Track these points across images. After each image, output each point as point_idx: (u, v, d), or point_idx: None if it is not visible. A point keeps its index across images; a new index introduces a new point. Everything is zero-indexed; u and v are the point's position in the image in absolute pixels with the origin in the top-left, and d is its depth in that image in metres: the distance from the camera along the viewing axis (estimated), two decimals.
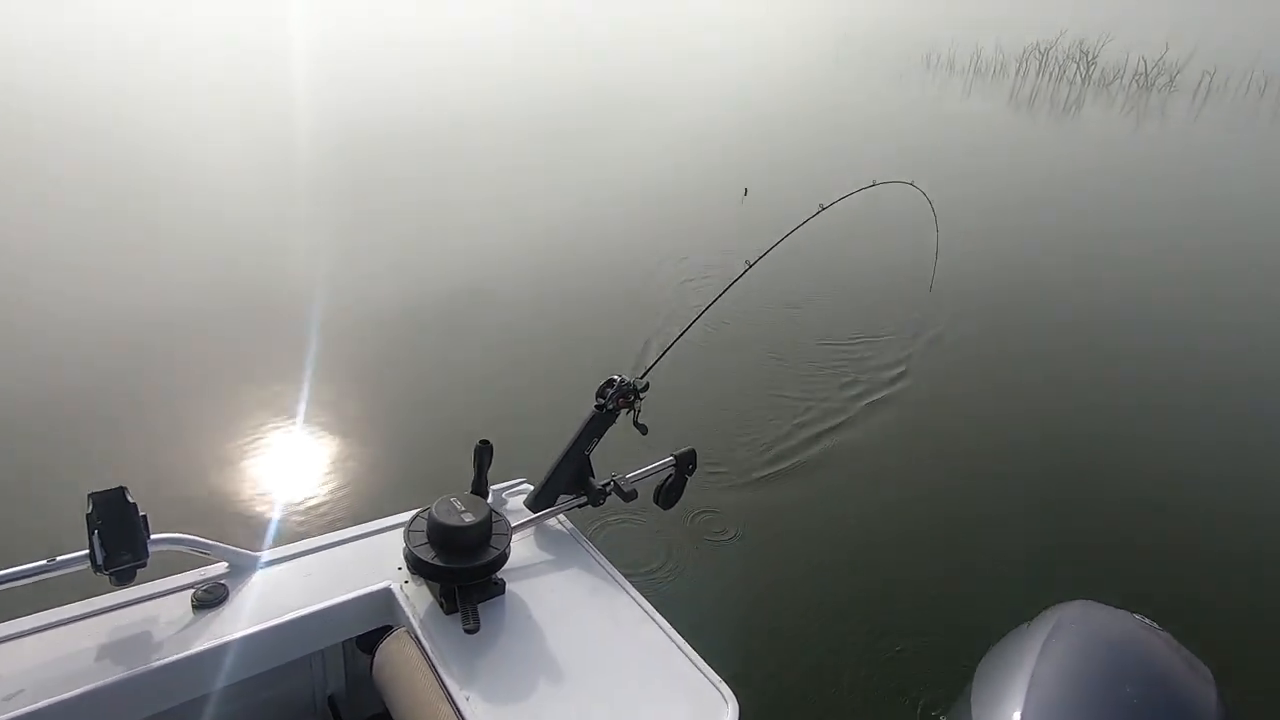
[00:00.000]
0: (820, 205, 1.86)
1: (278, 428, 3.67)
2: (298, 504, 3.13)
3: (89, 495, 1.10)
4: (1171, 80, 19.87)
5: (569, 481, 1.62)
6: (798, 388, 4.26)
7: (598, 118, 11.92)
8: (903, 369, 4.57)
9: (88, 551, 1.12)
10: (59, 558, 1.14)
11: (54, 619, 1.19)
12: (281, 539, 1.44)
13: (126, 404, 3.80)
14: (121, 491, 1.12)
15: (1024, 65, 21.70)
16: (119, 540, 1.10)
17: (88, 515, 1.09)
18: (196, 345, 4.47)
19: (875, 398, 4.24)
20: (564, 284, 5.59)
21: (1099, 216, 8.48)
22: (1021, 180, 9.70)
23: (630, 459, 1.70)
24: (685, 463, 1.72)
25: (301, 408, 3.85)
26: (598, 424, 1.62)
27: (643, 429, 1.64)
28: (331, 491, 3.24)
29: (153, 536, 1.14)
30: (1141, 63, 20.47)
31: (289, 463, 3.42)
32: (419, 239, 6.47)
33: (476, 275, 5.71)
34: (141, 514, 1.13)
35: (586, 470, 1.64)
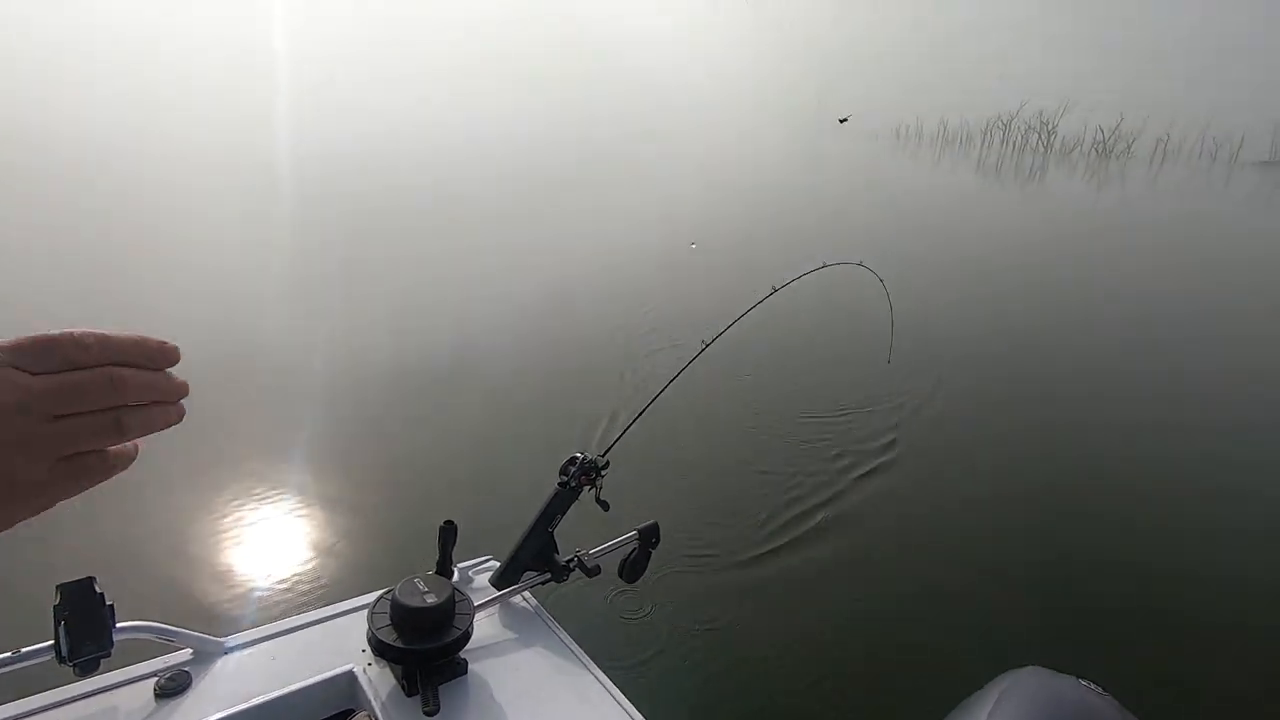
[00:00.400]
0: (773, 286, 1.98)
1: (244, 505, 3.67)
2: (266, 585, 3.11)
3: (57, 586, 1.14)
4: (1129, 147, 20.88)
5: (533, 558, 1.66)
6: (758, 461, 4.36)
7: (564, 190, 12.31)
8: (862, 442, 4.67)
9: (53, 643, 1.15)
10: (23, 649, 1.17)
11: (15, 712, 1.20)
12: (248, 623, 1.46)
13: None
14: (90, 582, 1.15)
15: (988, 135, 22.78)
16: (84, 631, 1.13)
17: (55, 606, 1.12)
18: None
19: (835, 469, 4.33)
20: (525, 360, 5.70)
21: (1061, 283, 8.79)
22: (982, 250, 10.06)
23: (594, 535, 1.75)
24: (648, 536, 1.77)
25: (267, 485, 3.85)
26: (561, 501, 1.68)
27: (604, 505, 1.70)
28: (299, 572, 3.22)
29: (118, 625, 1.17)
30: (1099, 131, 21.54)
31: (257, 542, 3.40)
32: (384, 313, 6.60)
33: (439, 351, 5.80)
34: (109, 603, 1.17)
35: (550, 547, 1.68)
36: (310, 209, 9.89)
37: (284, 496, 3.76)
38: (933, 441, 4.74)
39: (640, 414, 1.79)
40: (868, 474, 4.28)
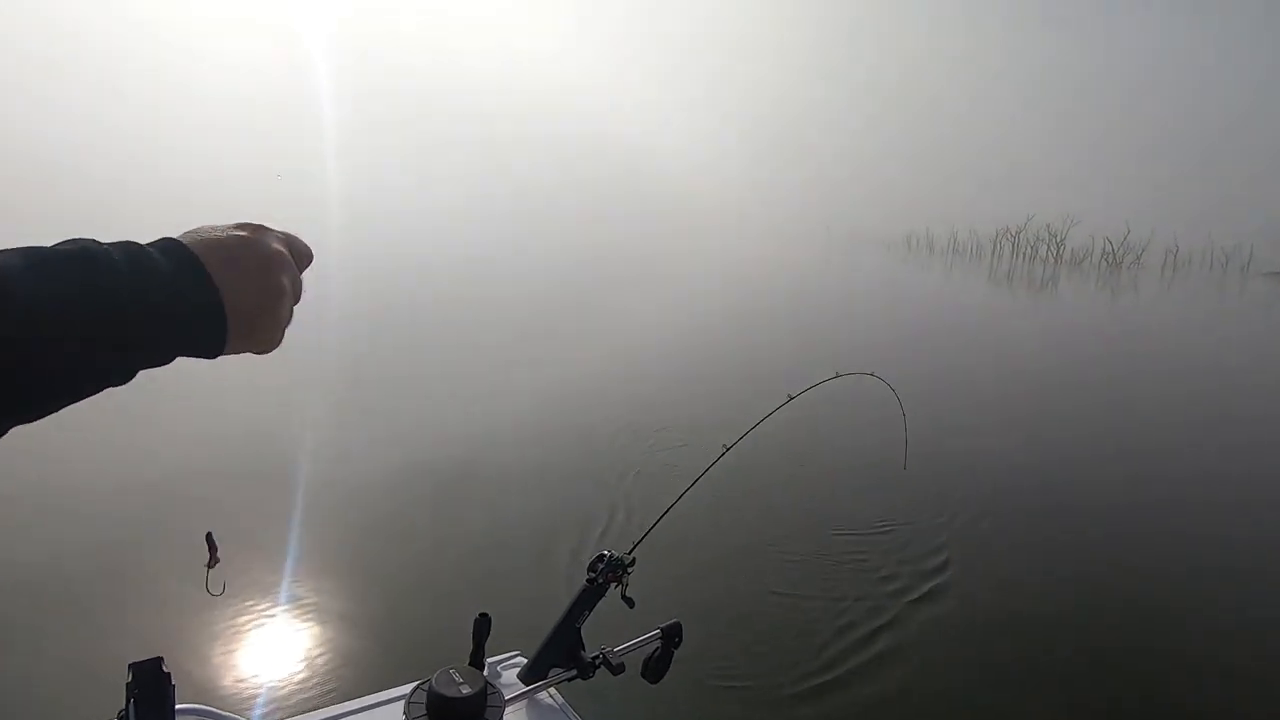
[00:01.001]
0: (788, 394, 2.11)
1: (277, 599, 3.71)
2: (304, 674, 3.11)
3: (130, 665, 1.23)
4: (1138, 258, 21.36)
5: (561, 654, 1.71)
6: (774, 562, 4.35)
7: (581, 295, 12.77)
8: (875, 546, 4.65)
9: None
10: None
11: None
12: (289, 709, 1.51)
13: (140, 569, 3.86)
14: (159, 662, 1.24)
15: (998, 246, 23.46)
16: (151, 710, 1.20)
17: (127, 684, 1.21)
18: (197, 512, 4.60)
19: (847, 571, 4.29)
20: (553, 458, 5.82)
21: (1078, 389, 8.82)
22: (997, 358, 10.20)
23: (615, 633, 1.79)
24: (671, 636, 1.81)
25: (301, 579, 3.90)
26: (588, 597, 1.74)
27: (630, 602, 1.76)
28: (334, 662, 3.22)
29: (178, 706, 1.25)
30: (1107, 243, 22.13)
31: (294, 633, 3.43)
32: (415, 410, 6.79)
33: (468, 449, 5.95)
34: (173, 683, 1.25)
35: (577, 643, 1.73)
36: (331, 316, 10.36)
37: (314, 595, 3.79)
38: (964, 558, 4.65)
39: (665, 513, 1.88)
40: (902, 590, 4.20)
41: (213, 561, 1.30)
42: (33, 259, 0.41)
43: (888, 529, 4.97)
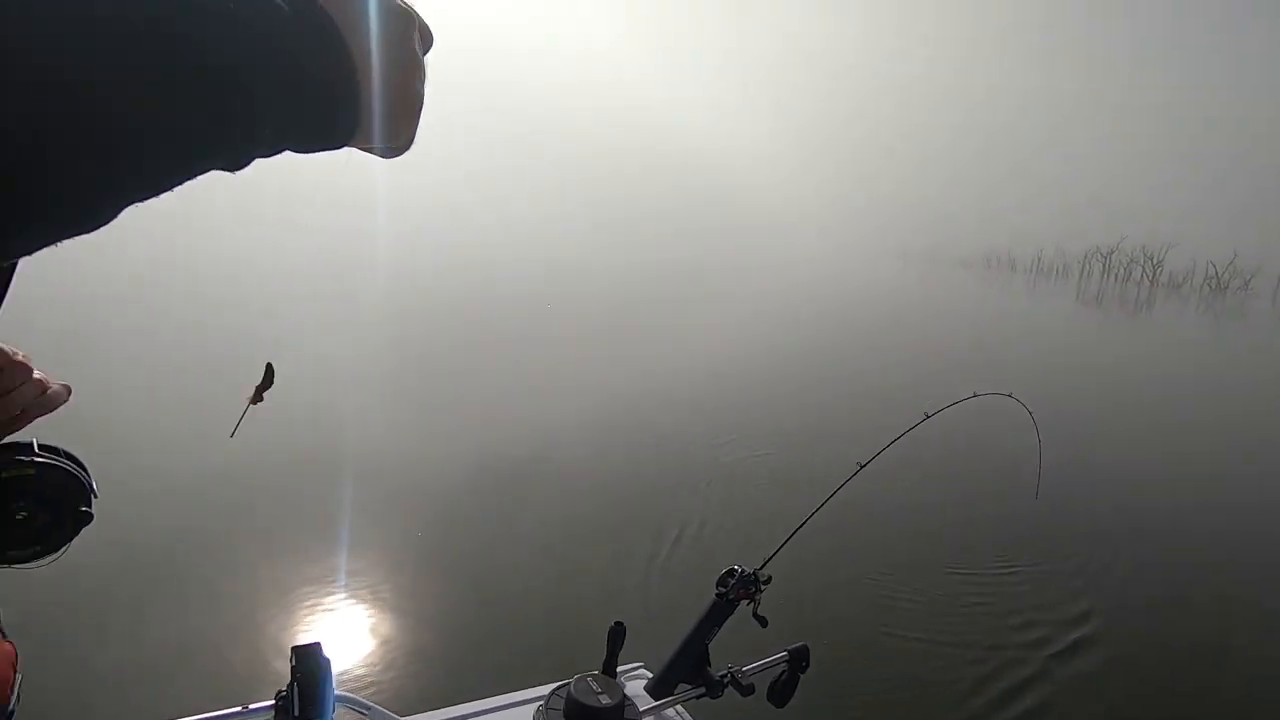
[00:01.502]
0: (925, 413, 2.01)
1: (395, 600, 3.80)
2: (431, 670, 3.19)
3: (292, 648, 1.25)
4: (1246, 283, 19.88)
5: (688, 670, 1.66)
6: (901, 593, 4.17)
7: (675, 308, 12.75)
8: (1008, 585, 4.38)
9: (273, 702, 1.24)
10: (250, 706, 1.27)
11: None
12: (425, 703, 1.51)
13: (254, 554, 4.04)
14: (319, 646, 1.26)
15: (1087, 266, 22.23)
16: (312, 694, 1.22)
17: (292, 666, 1.23)
18: (283, 505, 4.77)
19: (981, 612, 4.06)
20: (671, 466, 5.79)
21: (1197, 414, 8.24)
22: (1115, 380, 9.64)
23: (730, 649, 1.73)
24: (798, 659, 1.74)
25: (408, 571, 3.99)
26: (718, 613, 1.69)
27: (763, 621, 1.69)
28: (459, 660, 3.28)
29: (336, 693, 1.26)
30: (1211, 267, 20.70)
31: (399, 626, 3.51)
32: (538, 413, 6.88)
33: (570, 451, 5.99)
34: (331, 669, 1.26)
35: (705, 660, 1.68)
36: (411, 321, 10.67)
37: (436, 594, 3.88)
38: (1107, 607, 4.30)
39: (797, 530, 1.81)
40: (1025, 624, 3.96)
41: (257, 397, 1.10)
42: None
43: (1022, 567, 4.66)
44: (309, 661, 1.24)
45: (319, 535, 4.45)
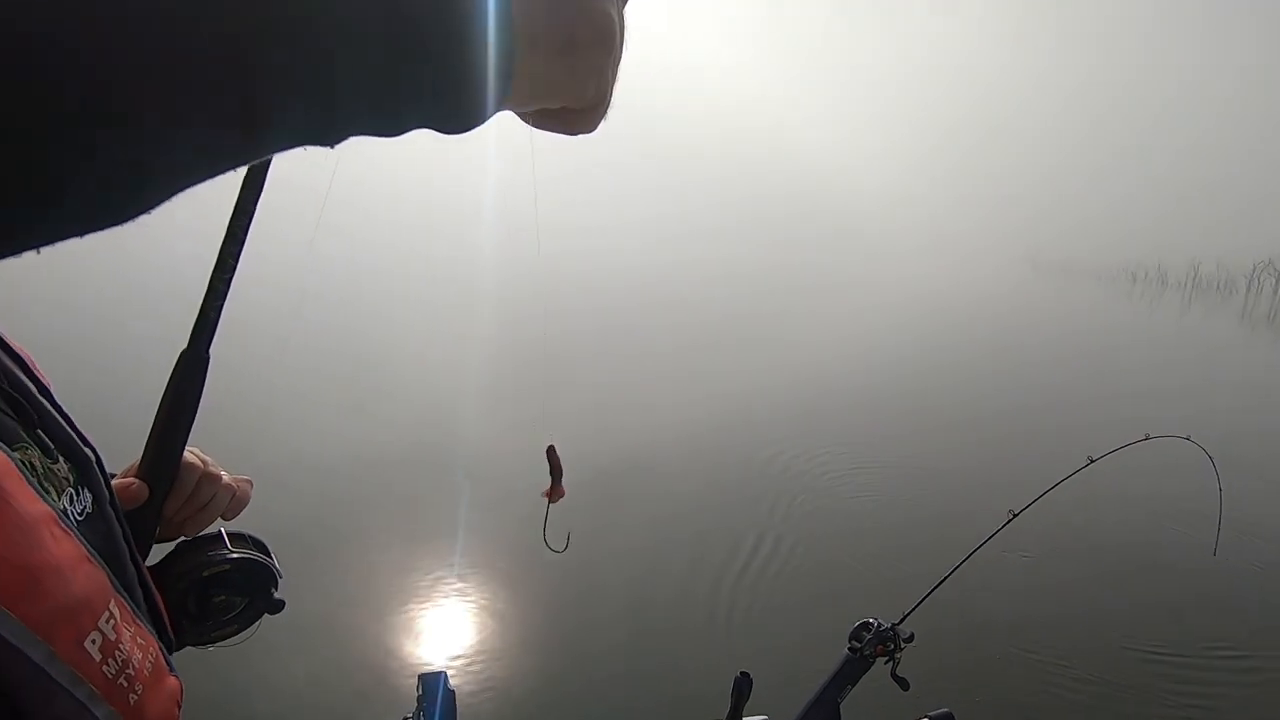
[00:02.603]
0: (1089, 458, 1.79)
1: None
2: (545, 700, 3.21)
3: (419, 675, 1.27)
4: None
5: None
6: (1060, 655, 3.74)
7: (797, 321, 12.39)
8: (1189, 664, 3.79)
9: None
10: None
11: None
12: None
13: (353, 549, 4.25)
14: (445, 676, 1.27)
15: (1257, 282, 19.64)
16: None
17: (418, 695, 1.24)
18: (399, 510, 4.97)
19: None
20: (791, 503, 5.55)
21: None
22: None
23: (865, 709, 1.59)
24: None
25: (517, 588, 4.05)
26: (851, 670, 1.56)
27: (903, 684, 1.55)
28: (572, 693, 3.28)
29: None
30: None
31: (525, 653, 3.55)
32: (668, 431, 6.86)
33: (692, 476, 5.88)
34: (455, 699, 1.27)
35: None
36: (524, 326, 10.96)
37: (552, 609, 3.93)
38: None
39: (940, 583, 1.66)
40: None
41: (554, 491, 0.90)
42: None
43: (1204, 646, 3.97)
44: (435, 690, 1.25)
45: (436, 543, 4.63)
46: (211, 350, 0.78)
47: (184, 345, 0.77)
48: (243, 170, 0.29)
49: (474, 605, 3.94)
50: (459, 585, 4.12)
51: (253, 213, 0.74)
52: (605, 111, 0.37)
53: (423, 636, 3.62)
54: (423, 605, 3.88)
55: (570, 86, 0.33)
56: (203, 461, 0.80)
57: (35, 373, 0.61)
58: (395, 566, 4.23)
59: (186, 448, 0.78)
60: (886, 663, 1.58)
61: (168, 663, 0.59)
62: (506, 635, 3.70)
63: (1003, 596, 4.23)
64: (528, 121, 0.37)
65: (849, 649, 1.60)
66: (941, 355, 10.66)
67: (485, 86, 0.30)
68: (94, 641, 0.48)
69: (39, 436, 0.55)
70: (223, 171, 0.26)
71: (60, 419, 0.59)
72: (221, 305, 0.75)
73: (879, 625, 1.59)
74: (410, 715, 1.27)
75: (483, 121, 0.31)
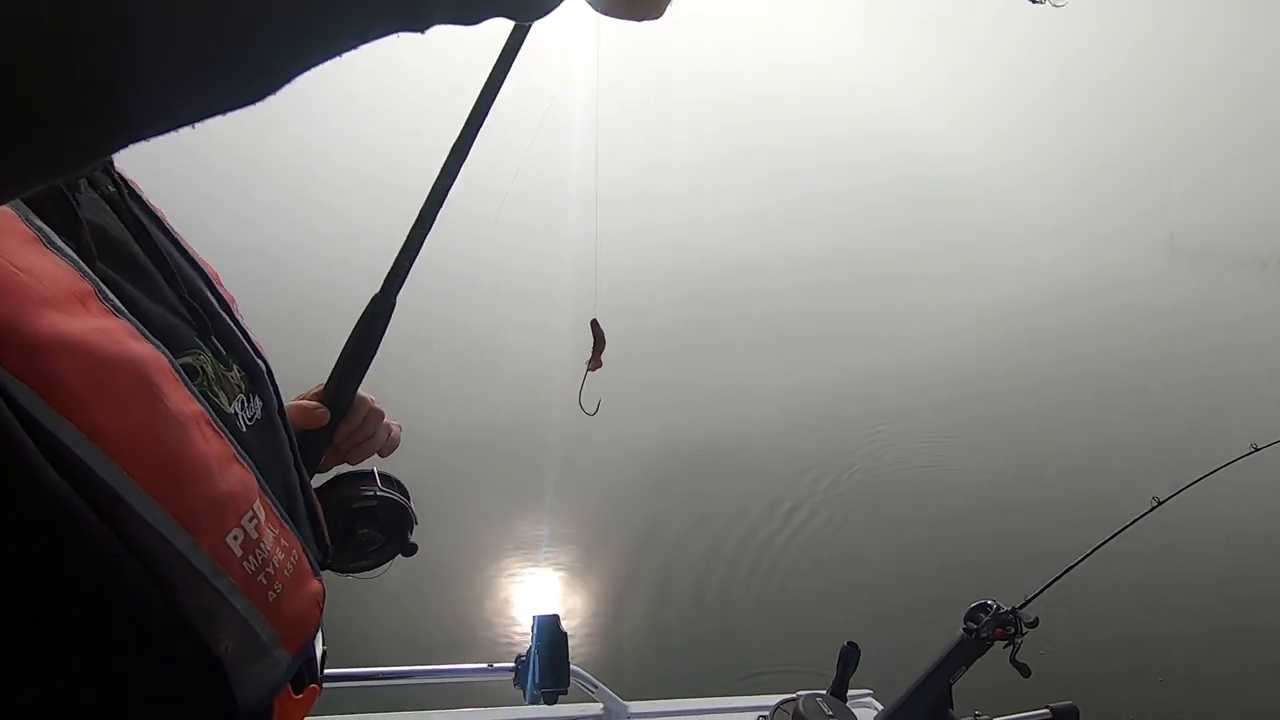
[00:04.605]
0: (1253, 445, 1.60)
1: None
2: (648, 658, 3.28)
3: (534, 617, 1.31)
4: None
5: (926, 710, 1.49)
6: (1202, 656, 3.44)
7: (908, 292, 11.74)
8: None
9: (514, 665, 1.31)
10: (495, 665, 1.35)
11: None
12: (640, 692, 1.52)
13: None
14: (557, 619, 1.30)
15: None
16: (551, 665, 1.26)
17: (534, 635, 1.28)
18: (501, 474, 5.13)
19: None
20: (907, 468, 5.39)
21: None
22: None
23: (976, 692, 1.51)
24: None
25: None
26: (966, 652, 1.49)
27: (1024, 670, 1.47)
28: (679, 652, 3.34)
29: (575, 669, 1.30)
30: None
31: (631, 611, 3.63)
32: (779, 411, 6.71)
33: (800, 447, 5.74)
34: (568, 641, 1.30)
35: (947, 702, 1.49)
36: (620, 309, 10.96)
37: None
38: None
39: (1071, 567, 1.55)
40: None
41: (595, 362, 0.98)
42: None
43: None
44: (549, 633, 1.28)
45: (531, 506, 4.79)
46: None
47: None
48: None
49: (570, 561, 4.07)
50: (556, 546, 4.26)
51: (455, 175, 0.81)
52: None
53: (524, 588, 3.77)
54: (524, 562, 4.05)
55: None
56: (372, 399, 0.87)
57: (218, 288, 0.65)
58: (496, 526, 4.42)
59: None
60: (1006, 647, 1.49)
61: (312, 567, 0.62)
62: (607, 588, 3.79)
63: (1140, 589, 3.90)
64: (594, 6, 0.36)
65: (964, 629, 1.52)
66: (1071, 341, 9.91)
67: None
68: (235, 537, 0.50)
69: (213, 344, 0.58)
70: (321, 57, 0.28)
71: (237, 331, 0.63)
72: (414, 258, 0.83)
73: (998, 607, 1.50)
74: (524, 654, 1.31)
75: (554, 5, 0.32)
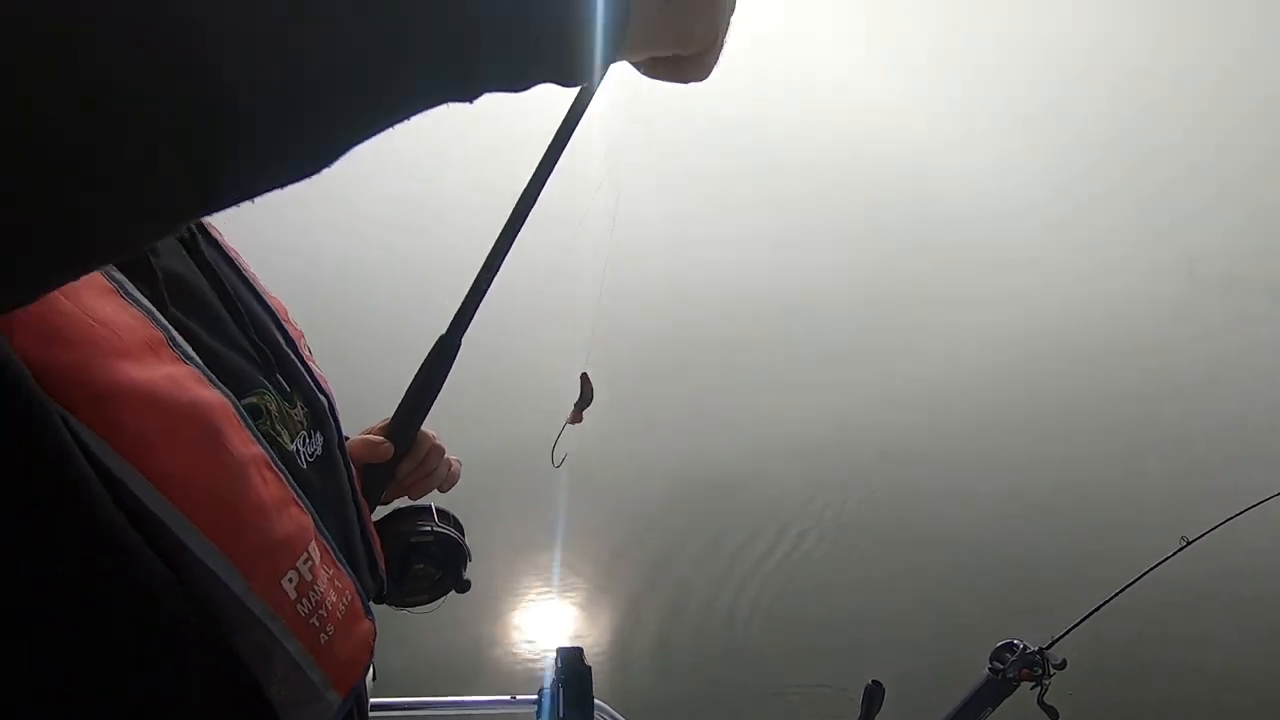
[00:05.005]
0: None
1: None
2: (667, 689, 3.24)
3: (557, 649, 1.30)
4: None
5: None
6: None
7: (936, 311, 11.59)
8: None
9: (536, 697, 1.30)
10: (518, 697, 1.35)
11: None
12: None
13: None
14: (581, 652, 1.30)
15: None
16: (573, 697, 1.26)
17: (556, 668, 1.28)
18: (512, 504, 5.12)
19: None
20: (928, 500, 5.30)
21: None
22: None
23: None
24: None
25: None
26: (992, 692, 1.47)
27: (1052, 713, 1.44)
28: (699, 687, 3.29)
29: (597, 703, 1.29)
30: None
31: (647, 641, 3.60)
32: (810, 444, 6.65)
33: (820, 478, 5.67)
34: (591, 675, 1.29)
35: None
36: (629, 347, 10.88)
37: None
38: None
39: (1099, 608, 1.52)
40: None
41: (576, 416, 0.99)
42: None
43: None
44: (573, 665, 1.28)
45: (547, 532, 4.77)
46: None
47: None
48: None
49: (584, 586, 4.05)
50: (570, 575, 4.24)
51: (520, 227, 0.82)
52: (717, 57, 0.37)
53: (538, 615, 3.75)
54: (540, 588, 4.03)
55: (680, 29, 0.34)
56: (434, 435, 0.89)
57: (285, 324, 0.67)
58: (512, 551, 4.40)
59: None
60: (1033, 688, 1.47)
61: (364, 607, 0.62)
62: (632, 618, 3.76)
63: (1173, 632, 3.76)
64: (640, 71, 0.37)
65: (989, 670, 1.50)
66: (1097, 367, 9.74)
67: (597, 34, 0.32)
68: (290, 580, 0.51)
69: (278, 381, 0.60)
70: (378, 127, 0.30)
71: (302, 367, 0.64)
72: (479, 302, 0.84)
73: (1025, 648, 1.48)
74: (547, 688, 1.31)
75: (599, 73, 0.33)
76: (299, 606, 0.51)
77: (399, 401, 0.85)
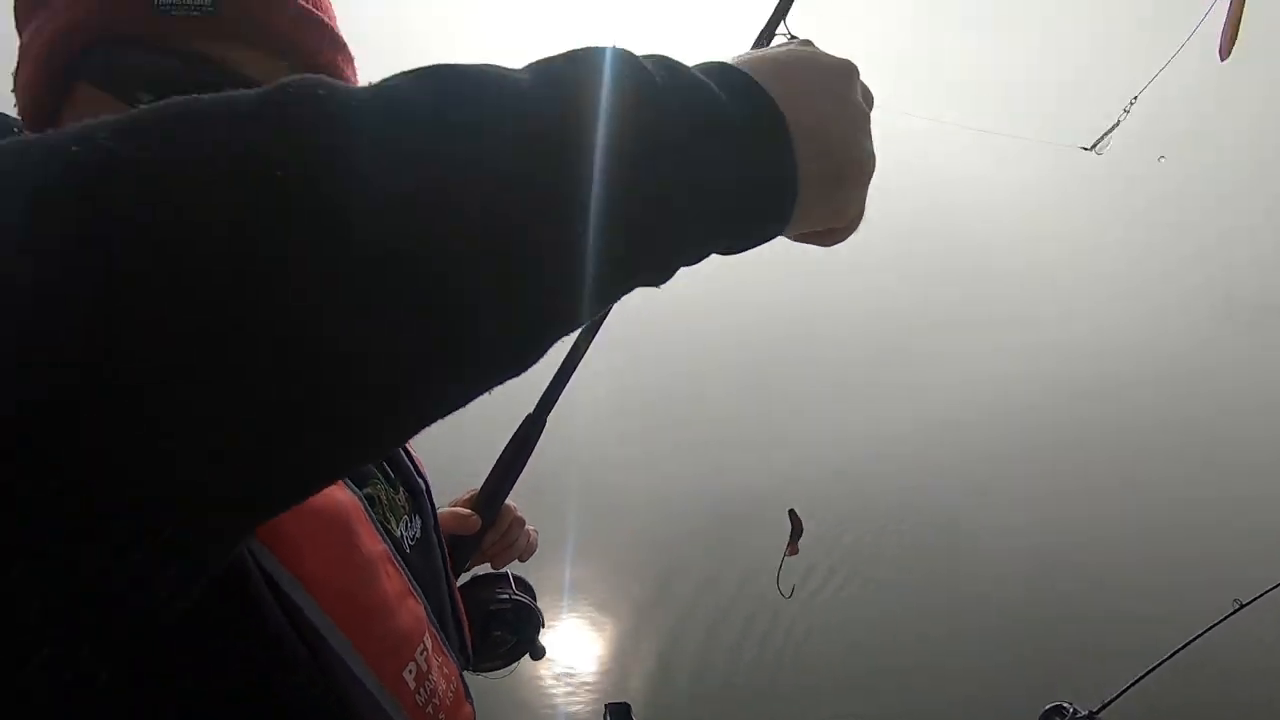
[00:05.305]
0: None
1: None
2: None
3: (606, 705, 1.32)
4: None
5: None
6: None
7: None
8: None
9: None
10: None
11: None
12: None
13: None
14: (628, 708, 1.31)
15: None
16: None
17: None
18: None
19: None
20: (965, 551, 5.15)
21: None
22: None
23: None
24: None
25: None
26: None
27: None
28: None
29: None
30: None
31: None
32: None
33: (854, 523, 5.54)
34: None
35: None
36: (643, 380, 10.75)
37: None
38: None
39: (1149, 672, 1.49)
40: None
41: (793, 549, 1.03)
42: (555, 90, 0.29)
43: None
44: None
45: (557, 556, 4.72)
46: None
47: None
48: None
49: (592, 613, 4.02)
50: (583, 606, 4.21)
51: (603, 320, 0.84)
52: (858, 225, 0.42)
53: (558, 642, 3.72)
54: (550, 613, 4.01)
55: (836, 213, 0.39)
56: (514, 506, 0.92)
57: None
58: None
59: None
60: None
61: (465, 690, 0.65)
62: (666, 658, 3.73)
63: (1227, 699, 3.57)
64: (789, 237, 0.41)
65: None
66: (1150, 418, 9.22)
67: (773, 224, 0.36)
68: (410, 671, 0.53)
69: (385, 470, 0.63)
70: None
71: (403, 453, 0.67)
72: (564, 385, 0.89)
73: (1074, 710, 1.46)
74: None
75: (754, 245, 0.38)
76: (417, 696, 0.53)
77: (485, 475, 0.89)
